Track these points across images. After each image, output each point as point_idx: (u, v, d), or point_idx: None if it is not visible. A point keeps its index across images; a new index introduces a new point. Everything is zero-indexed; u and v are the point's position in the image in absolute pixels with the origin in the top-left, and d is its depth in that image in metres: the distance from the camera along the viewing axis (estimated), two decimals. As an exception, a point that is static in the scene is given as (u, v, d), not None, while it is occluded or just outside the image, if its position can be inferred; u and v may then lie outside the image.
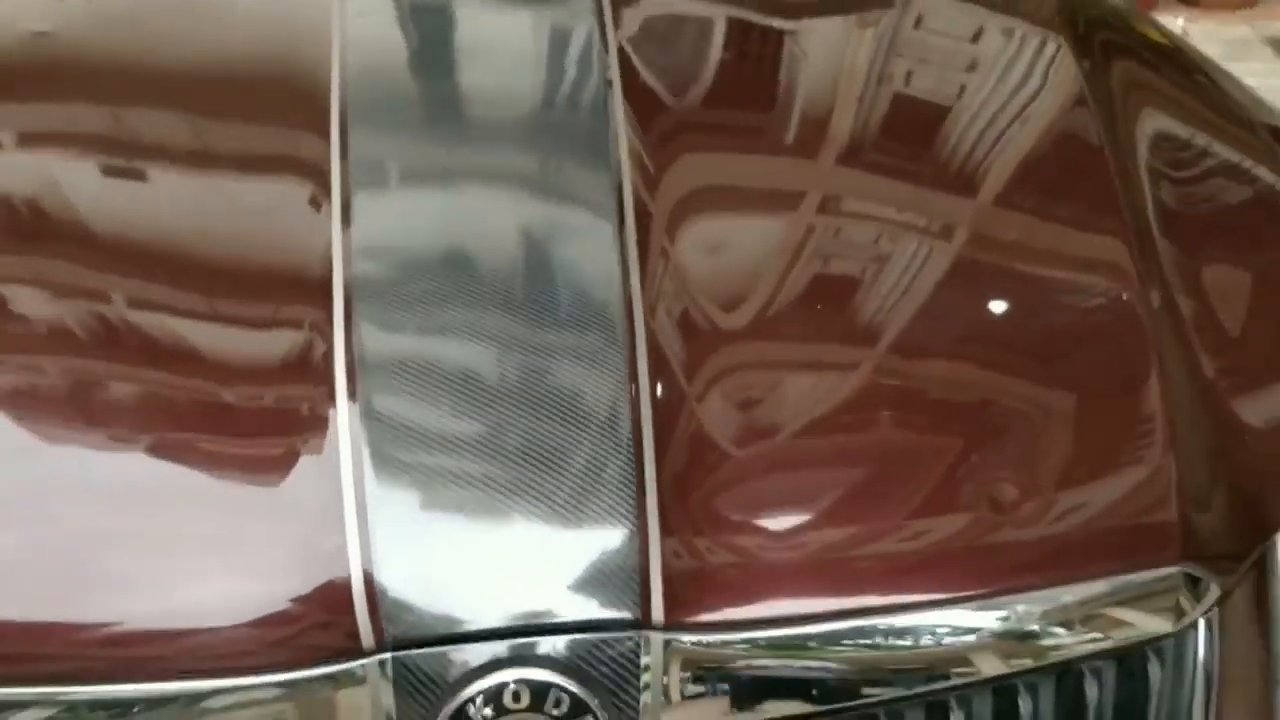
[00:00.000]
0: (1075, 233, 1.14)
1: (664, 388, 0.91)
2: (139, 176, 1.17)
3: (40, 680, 0.77)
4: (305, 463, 0.82)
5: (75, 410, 0.90)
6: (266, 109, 1.19)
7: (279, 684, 0.76)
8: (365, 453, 0.80)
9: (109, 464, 0.90)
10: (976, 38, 1.46)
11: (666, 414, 0.88)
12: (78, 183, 1.14)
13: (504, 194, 1.10)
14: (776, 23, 1.46)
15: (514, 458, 0.84)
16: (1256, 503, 0.97)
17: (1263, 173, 1.32)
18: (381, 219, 1.01)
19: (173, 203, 1.11)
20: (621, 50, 1.24)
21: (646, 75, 1.26)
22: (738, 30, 1.45)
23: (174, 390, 0.90)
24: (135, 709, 0.78)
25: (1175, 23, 6.43)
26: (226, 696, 0.76)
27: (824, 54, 1.42)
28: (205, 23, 1.31)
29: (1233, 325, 1.08)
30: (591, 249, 1.01)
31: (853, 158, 1.23)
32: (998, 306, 1.10)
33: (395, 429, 0.84)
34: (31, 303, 0.99)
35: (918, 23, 1.48)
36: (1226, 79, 1.53)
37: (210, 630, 0.77)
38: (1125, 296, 1.06)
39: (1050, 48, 1.38)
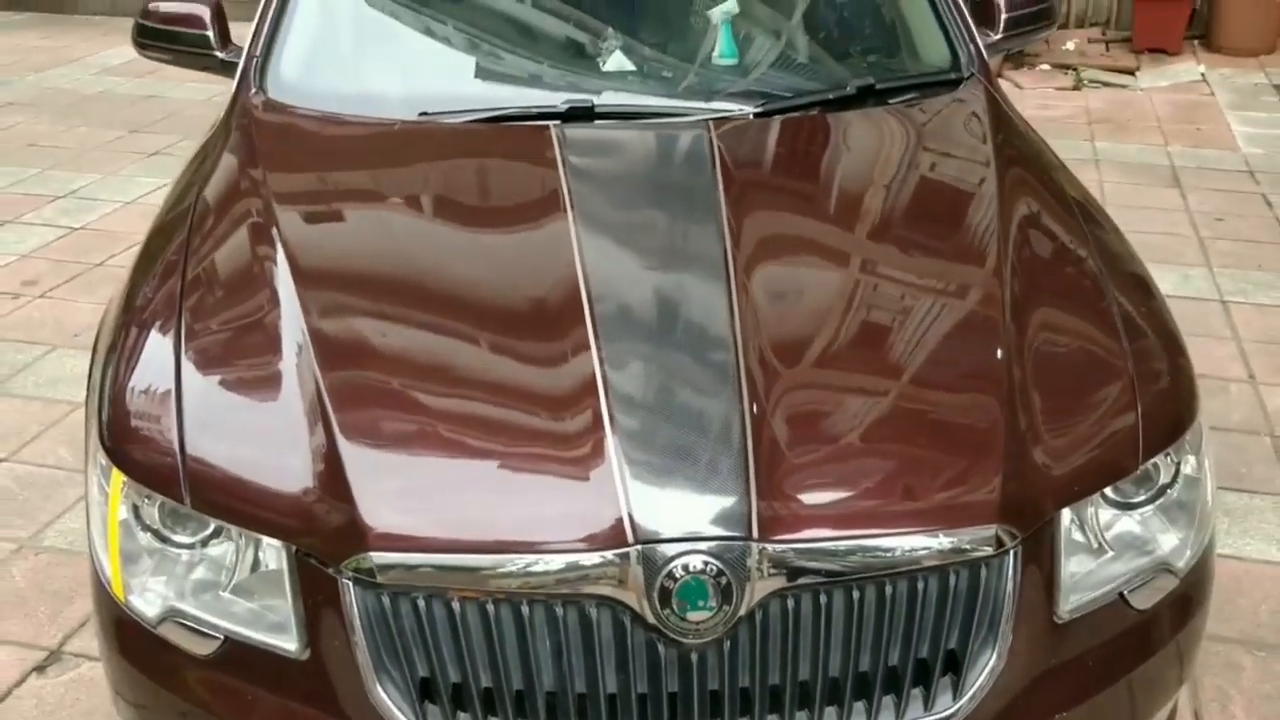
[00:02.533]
0: (962, 306, 1.96)
1: (756, 407, 1.65)
2: (451, 331, 1.92)
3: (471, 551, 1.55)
4: (597, 469, 1.58)
5: (492, 438, 1.67)
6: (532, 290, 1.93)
7: (581, 564, 1.51)
8: (624, 459, 1.58)
9: (508, 466, 1.64)
10: (953, 150, 2.44)
11: (757, 426, 1.63)
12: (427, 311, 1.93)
13: (667, 289, 1.93)
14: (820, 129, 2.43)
15: (687, 456, 1.59)
16: (1040, 497, 1.66)
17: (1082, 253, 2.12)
18: (625, 351, 1.76)
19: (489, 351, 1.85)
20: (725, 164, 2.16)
21: (740, 177, 2.16)
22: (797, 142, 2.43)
23: (525, 420, 1.69)
24: (523, 572, 1.53)
25: (1195, 69, 7.22)
26: (563, 568, 1.52)
27: (858, 151, 2.41)
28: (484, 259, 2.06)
29: (1043, 389, 1.77)
30: (715, 313, 1.82)
31: (861, 233, 2.14)
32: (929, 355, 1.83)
33: (632, 443, 1.60)
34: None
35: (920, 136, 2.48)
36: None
37: (557, 542, 1.54)
38: (993, 365, 1.78)
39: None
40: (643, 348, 1.77)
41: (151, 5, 2.79)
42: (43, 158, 5.58)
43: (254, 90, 2.48)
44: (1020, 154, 2.38)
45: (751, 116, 2.36)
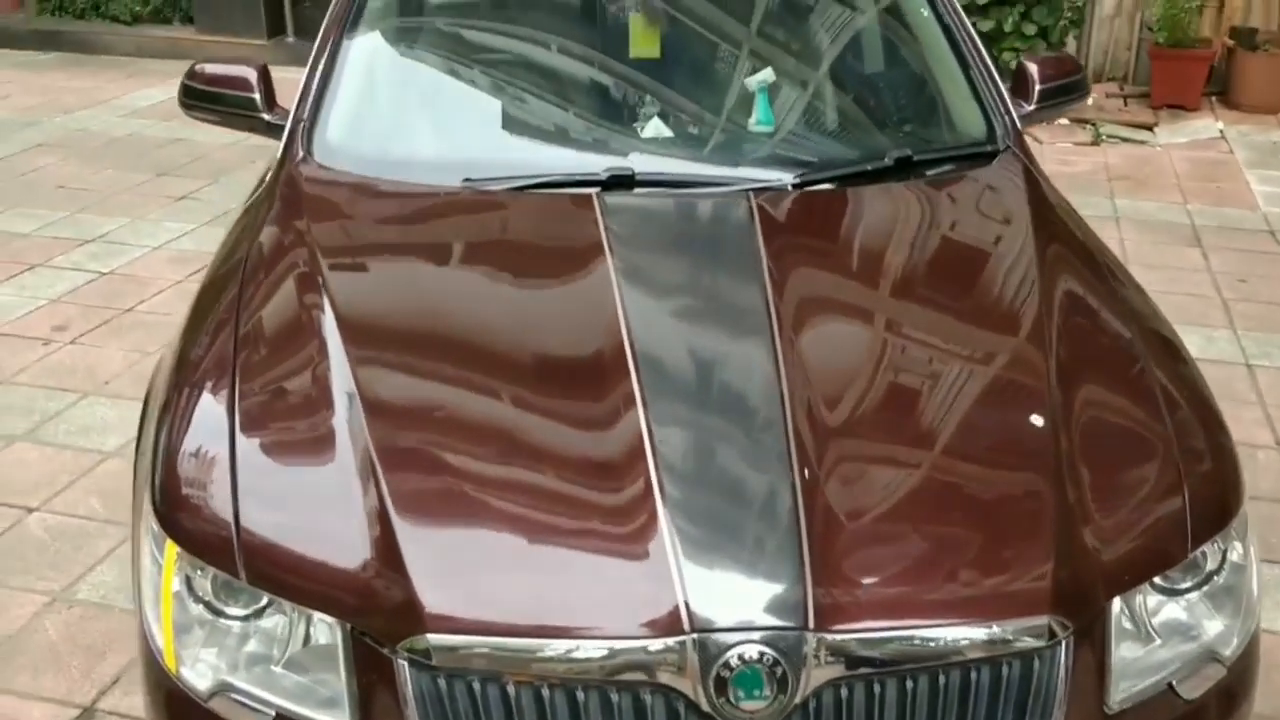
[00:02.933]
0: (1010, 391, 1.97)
1: (806, 482, 1.66)
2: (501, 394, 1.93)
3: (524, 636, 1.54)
4: (651, 550, 1.58)
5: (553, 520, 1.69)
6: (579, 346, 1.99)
7: (637, 652, 1.52)
8: (677, 539, 1.59)
9: (562, 543, 1.65)
10: (983, 228, 2.45)
11: (809, 505, 1.63)
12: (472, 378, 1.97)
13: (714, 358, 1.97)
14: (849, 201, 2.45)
15: (741, 536, 1.61)
16: (1091, 585, 1.66)
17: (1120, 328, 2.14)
18: (670, 410, 1.79)
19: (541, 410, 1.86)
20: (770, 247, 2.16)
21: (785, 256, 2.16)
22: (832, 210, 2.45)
23: (576, 492, 1.71)
24: (571, 659, 1.53)
25: (1214, 125, 7.27)
26: (619, 655, 1.52)
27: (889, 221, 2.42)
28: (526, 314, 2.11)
29: (1093, 475, 1.77)
30: (762, 384, 1.84)
31: (905, 300, 2.17)
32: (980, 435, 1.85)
33: (685, 520, 1.61)
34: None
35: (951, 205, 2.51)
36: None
37: (607, 626, 1.54)
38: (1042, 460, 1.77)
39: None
40: (691, 418, 1.80)
41: (198, 66, 2.83)
42: (72, 201, 5.64)
43: (301, 155, 2.51)
44: (1057, 228, 2.41)
45: (790, 187, 2.38)
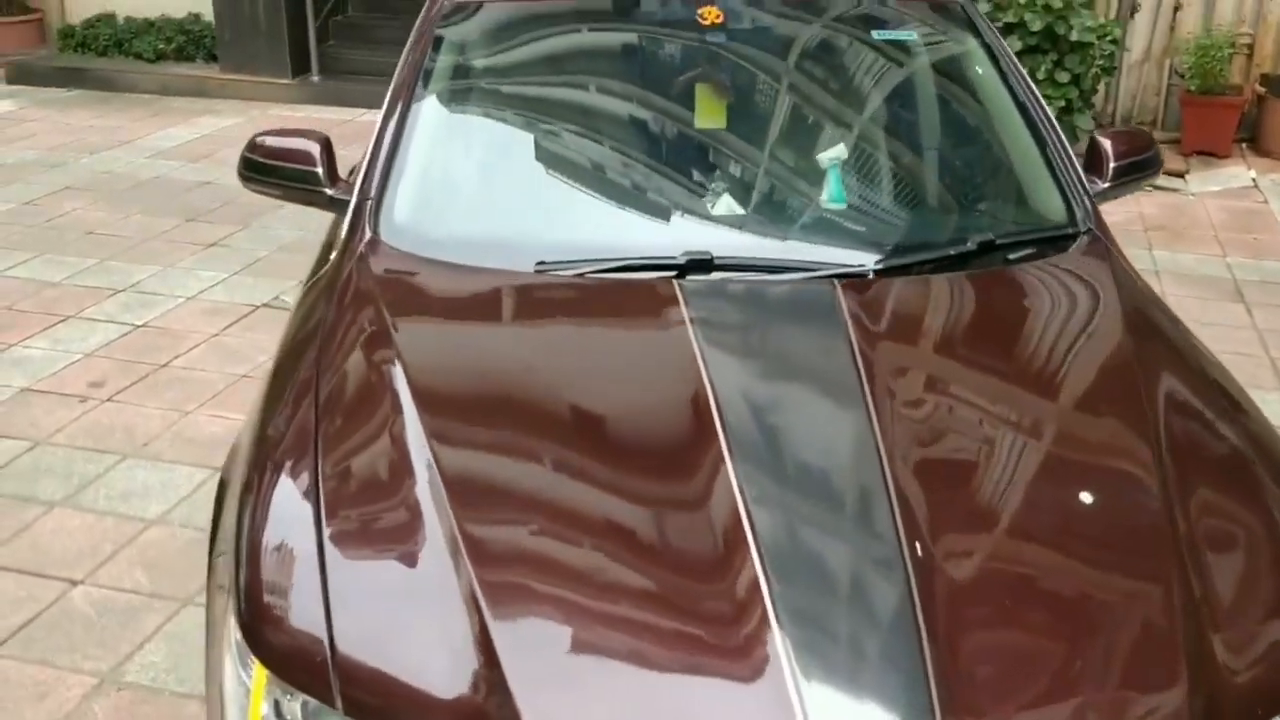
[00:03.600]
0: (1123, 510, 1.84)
1: (921, 578, 1.60)
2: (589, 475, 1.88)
3: None
4: (766, 661, 1.52)
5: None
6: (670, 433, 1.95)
7: None
8: (792, 652, 1.52)
9: (676, 669, 1.55)
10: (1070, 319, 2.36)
11: (931, 630, 1.55)
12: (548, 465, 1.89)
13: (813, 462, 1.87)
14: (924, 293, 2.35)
15: (862, 659, 1.53)
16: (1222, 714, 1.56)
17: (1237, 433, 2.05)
18: (773, 518, 1.71)
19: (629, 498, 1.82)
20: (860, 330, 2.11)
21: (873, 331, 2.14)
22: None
23: (685, 607, 1.62)
24: None
25: (1246, 174, 7.23)
26: None
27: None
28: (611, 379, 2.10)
29: (1224, 588, 1.70)
30: (869, 489, 1.77)
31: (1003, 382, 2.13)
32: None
33: (799, 628, 1.54)
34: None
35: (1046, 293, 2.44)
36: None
37: None
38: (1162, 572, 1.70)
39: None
40: (792, 509, 1.74)
41: (259, 138, 2.77)
42: (101, 247, 5.59)
43: (368, 235, 2.46)
44: (1147, 316, 2.36)
45: (873, 273, 2.33)
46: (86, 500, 3.53)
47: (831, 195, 2.65)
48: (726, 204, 2.61)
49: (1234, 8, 7.54)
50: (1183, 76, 7.47)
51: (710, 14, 2.86)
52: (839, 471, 1.84)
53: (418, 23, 2.99)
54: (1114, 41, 6.80)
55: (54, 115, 8.05)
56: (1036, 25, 6.53)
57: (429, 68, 2.81)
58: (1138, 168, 2.85)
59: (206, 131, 7.67)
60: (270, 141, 2.75)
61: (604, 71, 3.00)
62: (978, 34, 2.95)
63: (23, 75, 8.87)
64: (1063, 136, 2.79)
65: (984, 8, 6.60)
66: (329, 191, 2.66)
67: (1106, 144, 2.85)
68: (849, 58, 2.98)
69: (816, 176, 2.66)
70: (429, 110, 2.72)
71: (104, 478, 3.64)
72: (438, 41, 2.88)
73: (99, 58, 8.99)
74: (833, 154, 2.70)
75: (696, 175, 2.70)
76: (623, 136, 2.80)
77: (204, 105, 8.33)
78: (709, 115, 2.79)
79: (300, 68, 8.49)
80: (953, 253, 2.40)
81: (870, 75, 2.92)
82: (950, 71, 3.00)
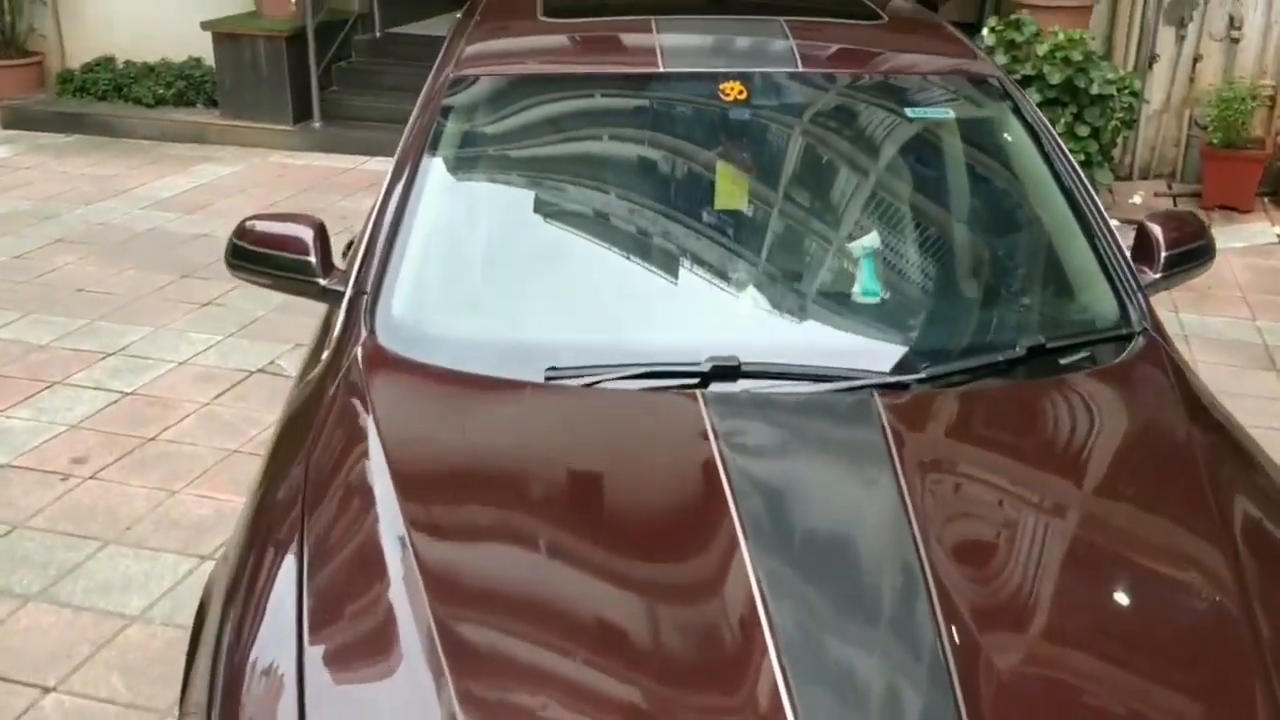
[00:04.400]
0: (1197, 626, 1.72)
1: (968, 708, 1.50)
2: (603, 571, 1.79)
3: None
4: None
5: None
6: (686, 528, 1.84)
7: None
8: None
9: None
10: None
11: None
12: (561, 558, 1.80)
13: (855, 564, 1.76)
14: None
15: None
16: None
17: None
18: (792, 617, 1.61)
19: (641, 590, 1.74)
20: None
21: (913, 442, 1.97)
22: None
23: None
24: None
25: (1270, 230, 7.06)
26: None
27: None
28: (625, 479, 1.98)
29: None
30: (919, 637, 1.61)
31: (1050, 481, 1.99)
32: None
33: None
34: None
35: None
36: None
37: None
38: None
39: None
40: (829, 656, 1.58)
41: (248, 223, 2.56)
42: (92, 306, 5.40)
43: (363, 334, 2.26)
44: (1210, 424, 2.16)
45: (915, 383, 2.12)
46: (64, 593, 3.31)
47: (865, 288, 2.46)
48: (752, 298, 2.41)
49: (1255, 59, 7.38)
50: (1204, 128, 7.31)
51: (733, 89, 2.68)
52: (883, 612, 1.65)
53: (421, 97, 2.80)
54: (1134, 94, 6.64)
55: (50, 162, 7.89)
56: (1055, 78, 6.38)
57: (432, 146, 2.60)
58: (1190, 257, 2.65)
59: (205, 180, 7.50)
60: (260, 227, 2.54)
61: (620, 157, 2.81)
62: (1018, 112, 2.76)
63: (20, 120, 8.71)
64: (1110, 224, 2.60)
65: (1001, 59, 6.45)
66: (322, 282, 2.46)
67: (1156, 231, 2.65)
68: (881, 138, 2.78)
69: (849, 267, 2.47)
70: (430, 196, 2.50)
71: (83, 567, 3.43)
72: (444, 115, 2.68)
73: (98, 102, 8.84)
74: (866, 243, 2.50)
75: (720, 267, 2.50)
76: (641, 225, 2.60)
77: (203, 152, 8.17)
78: (733, 201, 2.60)
79: (302, 114, 8.33)
80: (1002, 359, 2.20)
81: (905, 157, 2.72)
82: (989, 153, 2.81)
